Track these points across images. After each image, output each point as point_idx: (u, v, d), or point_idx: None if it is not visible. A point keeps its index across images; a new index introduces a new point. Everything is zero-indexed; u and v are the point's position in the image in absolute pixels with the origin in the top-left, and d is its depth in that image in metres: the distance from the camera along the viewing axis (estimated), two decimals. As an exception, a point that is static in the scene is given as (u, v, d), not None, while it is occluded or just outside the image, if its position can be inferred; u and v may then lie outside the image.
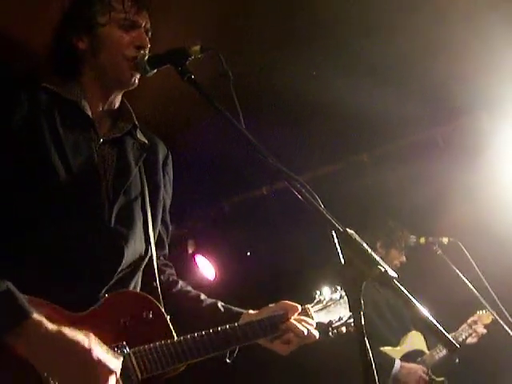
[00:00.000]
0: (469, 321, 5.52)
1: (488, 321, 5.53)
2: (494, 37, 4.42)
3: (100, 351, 2.07)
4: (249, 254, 6.89)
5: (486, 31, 4.37)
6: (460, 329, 5.48)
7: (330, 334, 2.82)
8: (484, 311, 5.52)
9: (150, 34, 2.50)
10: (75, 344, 2.02)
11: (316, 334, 2.68)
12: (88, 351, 2.03)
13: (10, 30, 3.94)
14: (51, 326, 2.01)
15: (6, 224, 2.19)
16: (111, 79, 2.46)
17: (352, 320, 2.78)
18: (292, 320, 2.65)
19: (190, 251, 6.76)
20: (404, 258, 5.55)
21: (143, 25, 2.47)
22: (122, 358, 2.15)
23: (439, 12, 4.33)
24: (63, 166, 2.26)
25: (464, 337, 5.41)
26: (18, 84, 2.38)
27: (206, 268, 6.75)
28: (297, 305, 2.71)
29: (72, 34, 2.45)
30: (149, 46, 2.45)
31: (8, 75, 2.45)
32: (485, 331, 5.48)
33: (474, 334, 5.45)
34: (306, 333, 2.63)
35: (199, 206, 6.35)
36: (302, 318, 2.69)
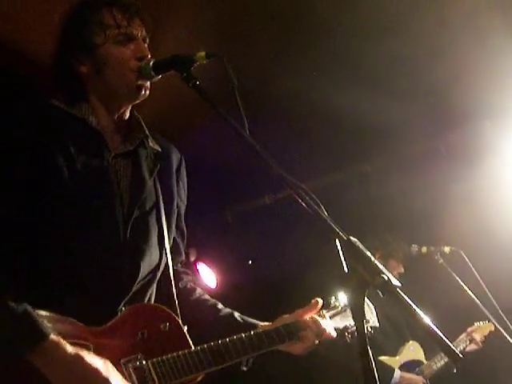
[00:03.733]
0: (467, 331, 5.51)
1: (486, 332, 5.51)
2: (497, 45, 4.42)
3: (116, 379, 2.09)
4: (250, 262, 6.88)
5: (489, 40, 4.38)
6: (458, 339, 5.46)
7: (347, 339, 2.84)
8: (482, 322, 5.51)
9: (147, 40, 2.49)
10: (93, 370, 2.04)
11: (333, 332, 2.72)
12: (105, 379, 2.05)
13: (17, 38, 3.96)
14: (70, 349, 2.04)
15: (22, 241, 2.20)
16: (120, 95, 2.45)
17: (369, 324, 2.83)
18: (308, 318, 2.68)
19: (192, 259, 6.75)
20: (402, 269, 5.53)
21: (139, 35, 2.45)
22: (133, 375, 2.18)
23: (442, 20, 4.34)
24: (75, 183, 2.26)
25: (462, 347, 5.40)
26: (28, 101, 2.38)
27: (207, 276, 6.75)
28: (311, 308, 2.73)
29: (72, 60, 2.44)
30: (149, 54, 2.44)
31: (18, 92, 2.46)
32: (483, 339, 5.47)
33: (472, 343, 5.44)
34: (323, 330, 2.66)
35: (201, 213, 6.34)
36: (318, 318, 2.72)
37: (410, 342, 5.35)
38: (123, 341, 2.22)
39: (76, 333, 2.12)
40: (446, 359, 5.19)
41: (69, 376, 2.02)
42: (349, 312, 2.86)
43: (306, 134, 5.47)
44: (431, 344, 1.77)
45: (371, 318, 2.90)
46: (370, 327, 2.87)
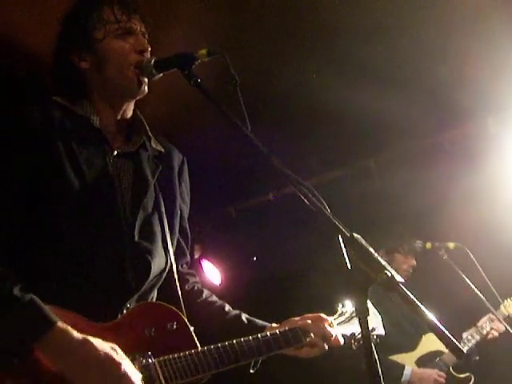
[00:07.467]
0: (477, 326, 5.45)
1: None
2: (500, 42, 4.42)
3: (127, 364, 2.09)
4: (255, 258, 6.89)
5: (491, 36, 4.37)
6: (480, 323, 5.40)
7: (353, 346, 2.82)
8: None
9: (147, 36, 2.50)
10: (103, 354, 2.05)
11: (341, 339, 2.70)
12: (115, 363, 2.06)
13: (19, 34, 3.96)
14: (77, 335, 2.04)
15: (29, 239, 2.21)
16: (121, 90, 2.46)
17: (375, 332, 2.81)
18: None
19: (196, 256, 6.76)
20: (414, 262, 5.45)
21: (138, 29, 2.47)
22: (140, 373, 2.17)
23: (445, 16, 4.33)
24: (78, 179, 2.27)
25: (477, 339, 5.34)
26: (30, 98, 2.39)
27: (212, 273, 6.76)
28: (320, 314, 2.71)
29: (72, 56, 2.45)
30: (149, 48, 2.46)
31: (21, 89, 2.47)
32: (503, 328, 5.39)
33: (492, 331, 5.37)
34: (330, 336, 2.64)
35: (206, 210, 6.35)
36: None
37: (428, 334, 5.28)
38: (129, 338, 2.22)
39: (80, 327, 2.11)
40: (471, 345, 5.17)
41: (78, 361, 2.02)
42: (356, 319, 2.83)
43: (309, 130, 5.46)
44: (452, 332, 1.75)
45: (377, 326, 2.86)
46: (376, 335, 2.83)
